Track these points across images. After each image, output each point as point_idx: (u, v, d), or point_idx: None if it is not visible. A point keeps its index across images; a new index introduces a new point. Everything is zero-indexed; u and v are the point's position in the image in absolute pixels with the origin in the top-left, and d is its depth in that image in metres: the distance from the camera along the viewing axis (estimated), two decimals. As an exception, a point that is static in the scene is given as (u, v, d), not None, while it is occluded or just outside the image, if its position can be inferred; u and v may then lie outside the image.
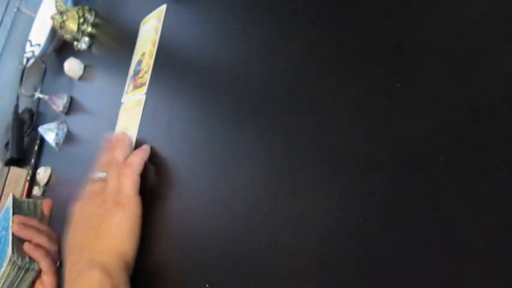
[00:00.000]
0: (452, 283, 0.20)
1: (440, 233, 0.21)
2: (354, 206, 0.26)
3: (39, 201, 0.64)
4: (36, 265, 0.54)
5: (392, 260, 0.23)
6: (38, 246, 0.55)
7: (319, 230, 0.28)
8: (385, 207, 0.24)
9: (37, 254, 0.55)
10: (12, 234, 0.55)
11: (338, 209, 0.27)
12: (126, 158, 0.48)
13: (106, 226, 0.43)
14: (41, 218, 0.62)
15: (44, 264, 0.54)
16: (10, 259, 0.52)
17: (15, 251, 0.53)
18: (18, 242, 0.55)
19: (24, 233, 0.56)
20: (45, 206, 0.64)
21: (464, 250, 0.20)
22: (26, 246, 0.55)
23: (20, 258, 0.53)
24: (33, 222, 0.58)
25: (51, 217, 0.63)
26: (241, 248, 0.33)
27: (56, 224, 0.72)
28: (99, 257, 0.41)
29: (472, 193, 0.21)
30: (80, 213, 0.47)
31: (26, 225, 0.56)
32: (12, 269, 0.53)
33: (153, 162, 0.49)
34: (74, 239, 0.46)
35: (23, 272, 0.54)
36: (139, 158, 0.47)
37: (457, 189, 0.21)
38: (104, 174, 0.48)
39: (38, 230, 0.57)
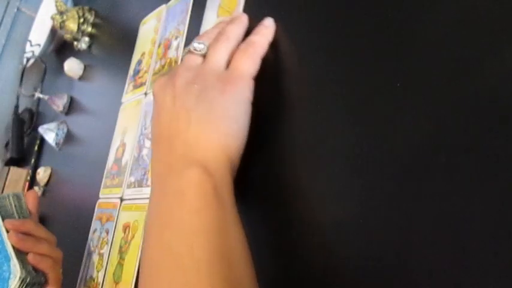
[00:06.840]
0: (452, 283, 0.20)
1: (440, 233, 0.21)
2: (354, 206, 0.26)
3: (21, 193, 0.55)
4: (43, 278, 0.50)
5: (392, 260, 0.23)
6: (42, 256, 0.51)
7: (318, 230, 0.28)
8: (385, 207, 0.24)
9: (45, 266, 0.50)
10: (12, 246, 0.49)
11: (338, 209, 0.27)
12: (238, 36, 0.37)
13: (205, 109, 0.32)
14: (29, 216, 0.54)
15: (52, 275, 0.50)
16: (19, 277, 0.48)
17: (21, 266, 0.48)
18: (19, 254, 0.50)
19: (24, 245, 0.50)
20: (30, 201, 0.55)
21: (464, 250, 0.20)
22: (32, 258, 0.50)
23: (28, 275, 0.48)
24: (28, 225, 0.52)
25: (38, 212, 0.56)
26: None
27: (56, 225, 0.72)
28: (197, 152, 0.31)
29: (472, 193, 0.21)
30: (163, 91, 0.35)
31: (22, 233, 0.51)
32: (20, 287, 0.48)
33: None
34: (160, 123, 0.35)
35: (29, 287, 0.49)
36: (264, 38, 0.36)
37: (457, 189, 0.21)
38: (204, 46, 0.36)
39: (38, 238, 0.52)
